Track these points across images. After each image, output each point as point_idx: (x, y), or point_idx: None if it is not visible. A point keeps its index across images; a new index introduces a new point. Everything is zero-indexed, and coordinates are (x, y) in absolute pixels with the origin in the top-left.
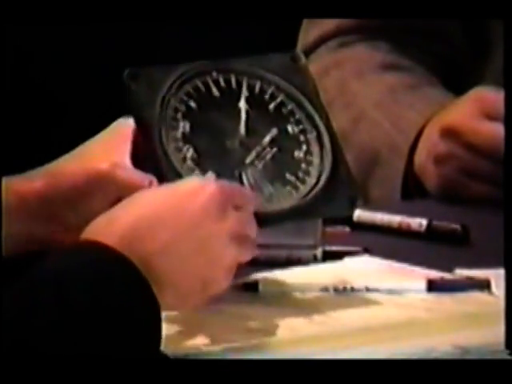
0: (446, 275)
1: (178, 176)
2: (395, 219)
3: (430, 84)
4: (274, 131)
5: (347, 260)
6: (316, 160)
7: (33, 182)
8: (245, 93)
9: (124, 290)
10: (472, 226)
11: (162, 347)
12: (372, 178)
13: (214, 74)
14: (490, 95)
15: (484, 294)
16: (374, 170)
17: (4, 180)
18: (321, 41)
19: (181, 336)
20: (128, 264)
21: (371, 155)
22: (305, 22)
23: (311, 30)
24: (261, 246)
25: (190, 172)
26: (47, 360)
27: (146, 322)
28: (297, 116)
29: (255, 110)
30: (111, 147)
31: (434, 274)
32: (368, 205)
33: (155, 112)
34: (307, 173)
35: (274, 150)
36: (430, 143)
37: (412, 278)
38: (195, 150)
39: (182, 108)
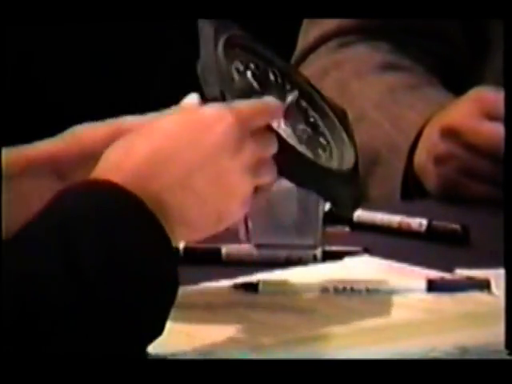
0: (446, 275)
1: None
2: (395, 219)
3: (429, 84)
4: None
5: (347, 260)
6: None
7: (46, 144)
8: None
9: (135, 232)
10: (472, 225)
11: (161, 348)
12: (372, 177)
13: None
14: (489, 95)
15: (484, 294)
16: (373, 169)
17: (4, 151)
18: (321, 41)
19: (180, 336)
20: (139, 204)
21: (371, 155)
22: (305, 22)
23: (311, 30)
24: (261, 246)
25: None
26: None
27: (160, 264)
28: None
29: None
30: None
31: (434, 274)
32: (368, 205)
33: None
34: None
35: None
36: (430, 143)
37: (412, 278)
38: None
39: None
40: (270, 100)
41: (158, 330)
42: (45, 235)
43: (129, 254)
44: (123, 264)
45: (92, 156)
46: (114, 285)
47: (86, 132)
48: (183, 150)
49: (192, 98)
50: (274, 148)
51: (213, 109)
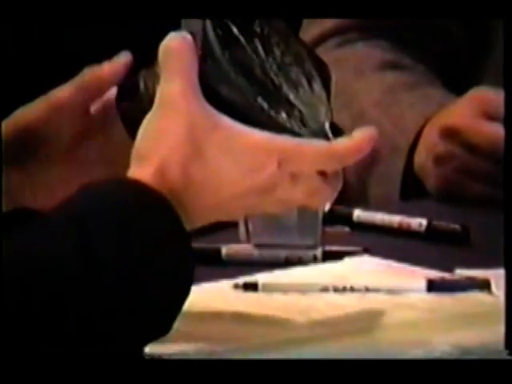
0: (446, 275)
1: None
2: (395, 219)
3: (429, 83)
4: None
5: (347, 260)
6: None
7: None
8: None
9: (151, 221)
10: (472, 226)
11: (160, 348)
12: (372, 177)
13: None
14: (489, 95)
15: (484, 293)
16: (373, 169)
17: None
18: (320, 39)
19: (180, 336)
20: (157, 196)
21: (371, 154)
22: (305, 20)
23: (310, 29)
24: (261, 246)
25: None
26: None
27: (175, 255)
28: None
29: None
30: None
31: (434, 274)
32: (368, 205)
33: None
34: None
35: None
36: (430, 143)
37: (412, 278)
38: None
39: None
40: (317, 144)
41: (166, 325)
42: (60, 221)
43: (143, 242)
44: (136, 252)
45: (28, 136)
46: (125, 272)
47: (19, 115)
48: (221, 174)
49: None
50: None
51: (266, 142)
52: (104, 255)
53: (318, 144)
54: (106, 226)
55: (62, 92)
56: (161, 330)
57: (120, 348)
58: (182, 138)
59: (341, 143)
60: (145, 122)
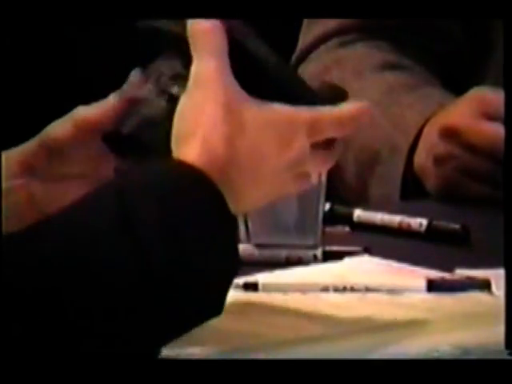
0: (446, 275)
1: None
2: (395, 219)
3: (429, 84)
4: None
5: (347, 260)
6: None
7: (29, 145)
8: None
9: (194, 199)
10: (472, 226)
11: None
12: (372, 177)
13: None
14: (488, 95)
15: (484, 293)
16: (373, 169)
17: (4, 154)
18: (321, 40)
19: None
20: (200, 174)
21: (371, 155)
22: (305, 21)
23: (311, 30)
24: (261, 246)
25: None
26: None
27: (219, 232)
28: None
29: None
30: None
31: (434, 273)
32: (368, 205)
33: None
34: None
35: None
36: (430, 143)
37: (412, 278)
38: None
39: None
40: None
41: (216, 305)
42: (104, 196)
43: (186, 219)
44: (179, 228)
45: (59, 152)
46: (168, 248)
47: (51, 131)
48: (261, 149)
49: (135, 75)
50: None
51: (292, 115)
52: (144, 230)
53: (334, 110)
54: (146, 201)
55: (91, 112)
56: (213, 308)
57: (174, 329)
58: (222, 114)
59: (349, 107)
60: (181, 103)
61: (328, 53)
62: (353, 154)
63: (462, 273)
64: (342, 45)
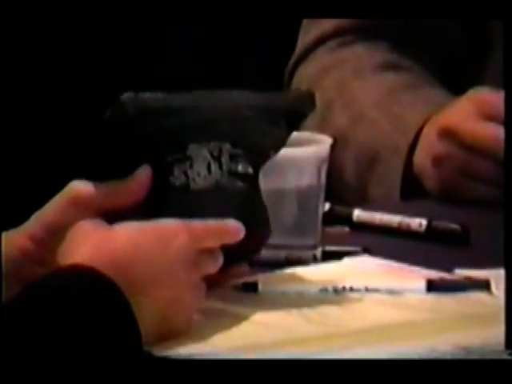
0: (446, 275)
1: None
2: (395, 219)
3: (429, 84)
4: None
5: (347, 260)
6: None
7: (30, 229)
8: None
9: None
10: (472, 226)
11: (160, 348)
12: (371, 177)
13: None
14: (487, 96)
15: (484, 293)
16: (373, 169)
17: (4, 235)
18: (320, 40)
19: (180, 336)
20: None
21: (370, 155)
22: (304, 22)
23: (310, 30)
24: None
25: None
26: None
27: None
28: None
29: None
30: None
31: (434, 274)
32: (367, 205)
33: None
34: None
35: None
36: (429, 144)
37: (411, 278)
38: None
39: None
40: (227, 223)
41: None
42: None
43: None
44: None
45: (56, 231)
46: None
47: (43, 213)
48: (142, 258)
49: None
50: (219, 265)
51: (170, 224)
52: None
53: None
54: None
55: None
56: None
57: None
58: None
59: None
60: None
61: (327, 53)
62: (352, 154)
63: (461, 273)
64: (342, 45)
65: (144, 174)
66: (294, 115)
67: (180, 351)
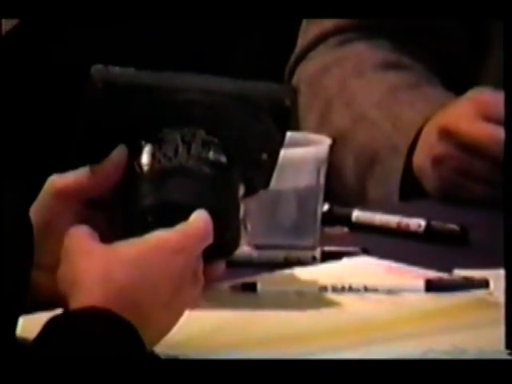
0: (445, 275)
1: None
2: (394, 219)
3: (429, 83)
4: None
5: (346, 260)
6: None
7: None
8: None
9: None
10: (471, 226)
11: (160, 348)
12: (371, 177)
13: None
14: (486, 96)
15: (483, 294)
16: (373, 169)
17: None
18: (320, 39)
19: (179, 336)
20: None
21: (370, 155)
22: (304, 21)
23: (310, 29)
24: (259, 247)
25: None
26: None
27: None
28: None
29: None
30: None
31: (433, 274)
32: (367, 205)
33: None
34: None
35: None
36: (428, 144)
37: (410, 279)
38: None
39: None
40: (200, 223)
41: None
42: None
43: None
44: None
45: (45, 230)
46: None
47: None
48: (150, 289)
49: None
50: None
51: (168, 242)
52: None
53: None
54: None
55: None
56: None
57: None
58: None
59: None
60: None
61: (328, 51)
62: (352, 154)
63: (460, 273)
64: (342, 43)
65: (119, 153)
66: (276, 107)
67: (180, 351)
